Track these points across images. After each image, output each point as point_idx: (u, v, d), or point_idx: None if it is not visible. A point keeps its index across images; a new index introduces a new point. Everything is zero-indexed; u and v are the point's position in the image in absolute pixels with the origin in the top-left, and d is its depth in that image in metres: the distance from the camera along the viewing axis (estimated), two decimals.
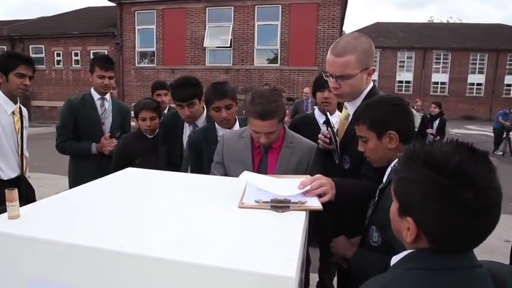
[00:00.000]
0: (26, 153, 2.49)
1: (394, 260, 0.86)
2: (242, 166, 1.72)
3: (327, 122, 1.88)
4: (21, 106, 2.46)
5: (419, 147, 0.80)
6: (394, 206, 0.86)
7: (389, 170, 1.37)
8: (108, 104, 2.93)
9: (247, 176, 1.39)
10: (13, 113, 2.35)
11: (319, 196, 1.35)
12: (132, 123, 3.09)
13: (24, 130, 2.46)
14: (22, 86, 2.29)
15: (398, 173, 0.83)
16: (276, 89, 1.85)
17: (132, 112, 2.94)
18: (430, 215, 0.75)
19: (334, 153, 1.84)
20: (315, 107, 3.13)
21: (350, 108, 1.75)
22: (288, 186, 1.33)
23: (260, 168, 1.79)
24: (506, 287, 0.78)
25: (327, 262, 2.55)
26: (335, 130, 1.90)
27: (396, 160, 1.36)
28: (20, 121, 2.41)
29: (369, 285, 0.81)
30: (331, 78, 1.66)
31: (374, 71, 1.70)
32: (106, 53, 14.94)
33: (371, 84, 1.72)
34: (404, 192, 0.81)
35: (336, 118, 2.39)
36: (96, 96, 2.87)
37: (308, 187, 1.34)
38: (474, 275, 0.76)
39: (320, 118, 2.60)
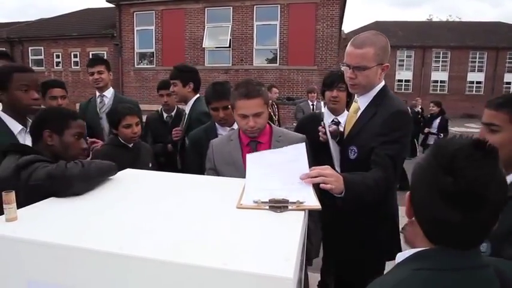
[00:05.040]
0: None
1: (400, 257, 0.86)
2: (234, 167, 1.73)
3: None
4: None
5: None
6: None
7: None
8: (107, 100, 3.04)
9: (251, 158, 1.43)
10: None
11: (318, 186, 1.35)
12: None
13: None
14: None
15: None
16: (258, 81, 1.89)
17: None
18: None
19: (333, 144, 1.93)
20: (324, 107, 3.17)
21: (361, 101, 1.81)
22: (290, 175, 1.35)
23: None
24: (511, 285, 0.78)
25: (329, 262, 2.55)
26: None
27: None
28: None
29: (376, 286, 0.80)
30: (348, 68, 1.73)
31: (388, 67, 1.76)
32: (105, 54, 14.98)
33: (383, 82, 1.78)
34: None
35: (344, 117, 2.41)
36: (97, 94, 3.10)
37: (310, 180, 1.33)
38: (481, 275, 0.76)
39: (329, 118, 2.61)
